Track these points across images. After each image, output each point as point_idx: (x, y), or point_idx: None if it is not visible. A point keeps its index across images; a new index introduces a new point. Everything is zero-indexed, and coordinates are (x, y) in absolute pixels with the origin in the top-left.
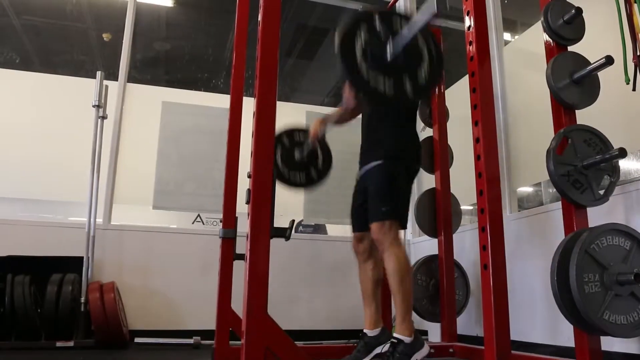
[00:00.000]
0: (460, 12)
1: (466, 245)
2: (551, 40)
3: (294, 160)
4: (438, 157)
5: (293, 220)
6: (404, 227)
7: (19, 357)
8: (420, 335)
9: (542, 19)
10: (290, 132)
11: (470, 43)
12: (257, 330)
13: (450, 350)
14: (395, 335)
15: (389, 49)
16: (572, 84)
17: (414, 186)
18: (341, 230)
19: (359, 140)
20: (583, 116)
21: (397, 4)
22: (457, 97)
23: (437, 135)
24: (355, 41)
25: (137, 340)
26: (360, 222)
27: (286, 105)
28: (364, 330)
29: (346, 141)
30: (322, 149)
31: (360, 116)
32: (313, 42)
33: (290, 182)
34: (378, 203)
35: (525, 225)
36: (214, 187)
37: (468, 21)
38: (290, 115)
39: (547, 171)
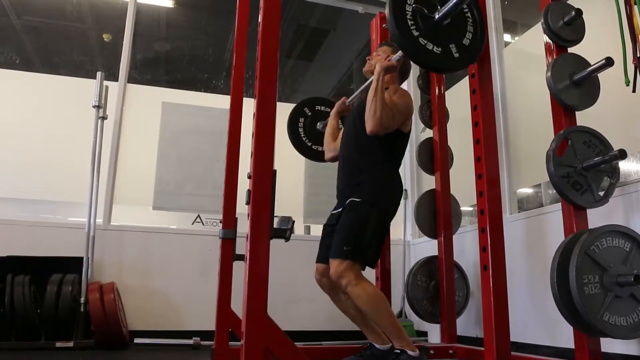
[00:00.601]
0: None
1: (466, 246)
2: (551, 42)
3: (315, 131)
4: (438, 158)
5: (293, 221)
6: (372, 266)
7: (19, 357)
8: (426, 356)
9: (542, 20)
10: (312, 102)
11: None
12: (257, 331)
13: (450, 351)
14: (399, 346)
15: (437, 14)
16: (572, 85)
17: (414, 187)
18: None
19: None
20: (583, 117)
21: None
22: (457, 98)
23: (437, 136)
24: (406, 3)
25: (137, 340)
26: (323, 254)
27: (286, 106)
28: (372, 342)
29: None
30: (343, 123)
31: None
32: (313, 43)
33: (311, 153)
34: (342, 240)
35: (525, 226)
36: (214, 188)
37: None
38: None
39: (547, 172)
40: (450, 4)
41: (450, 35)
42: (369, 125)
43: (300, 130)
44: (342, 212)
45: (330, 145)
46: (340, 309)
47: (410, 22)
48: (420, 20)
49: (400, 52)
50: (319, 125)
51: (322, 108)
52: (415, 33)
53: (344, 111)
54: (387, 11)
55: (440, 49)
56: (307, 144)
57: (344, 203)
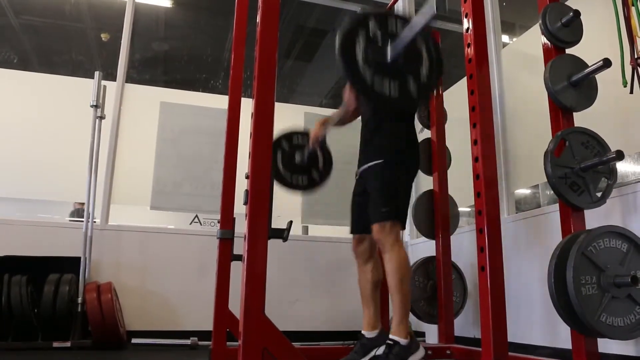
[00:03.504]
0: (459, 14)
1: (464, 246)
2: (549, 43)
3: (294, 163)
4: (436, 158)
5: (291, 221)
6: (403, 228)
7: (16, 357)
8: (416, 338)
9: (540, 21)
10: (289, 135)
11: (469, 45)
12: (255, 332)
13: (448, 352)
14: (391, 336)
15: (388, 51)
16: (570, 86)
17: (412, 189)
18: (339, 230)
19: (357, 141)
20: (581, 119)
21: (396, 5)
22: (455, 99)
23: (435, 136)
24: (356, 44)
25: (134, 340)
26: (359, 224)
27: (284, 107)
28: (362, 332)
29: (344, 142)
30: (322, 150)
31: (360, 117)
32: (311, 43)
33: (292, 186)
34: (379, 204)
35: (523, 227)
36: (212, 188)
37: (466, 23)
38: (288, 116)
39: (544, 173)
40: (399, 45)
41: (406, 71)
42: None
43: (279, 163)
44: (368, 177)
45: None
46: (359, 279)
47: (362, 67)
48: (373, 64)
49: None
50: (297, 158)
51: (300, 140)
52: (369, 80)
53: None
54: (337, 60)
55: (397, 88)
56: (287, 178)
57: (366, 165)
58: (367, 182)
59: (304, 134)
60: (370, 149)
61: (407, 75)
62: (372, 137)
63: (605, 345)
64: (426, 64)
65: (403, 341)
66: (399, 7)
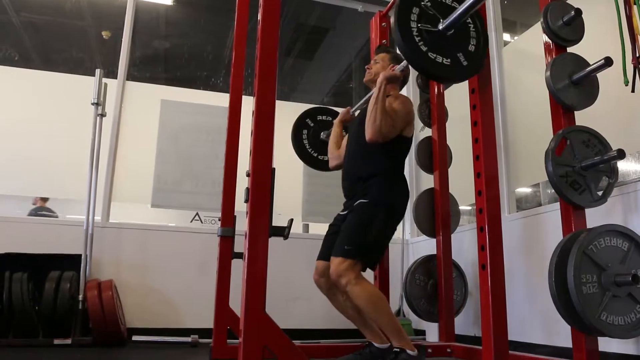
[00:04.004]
0: None
1: (464, 245)
2: (550, 41)
3: (319, 141)
4: (437, 157)
5: (291, 219)
6: (372, 268)
7: (17, 354)
8: (424, 356)
9: (541, 19)
10: (314, 113)
11: None
12: (255, 329)
13: (448, 350)
14: (397, 346)
15: (441, 26)
16: (571, 85)
17: (412, 186)
18: None
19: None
20: (582, 117)
21: None
22: (457, 97)
23: (436, 135)
24: (410, 20)
25: (135, 338)
26: (324, 252)
27: (285, 105)
28: (372, 342)
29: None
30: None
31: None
32: (312, 41)
33: (317, 163)
34: (345, 239)
35: (524, 225)
36: (213, 186)
37: None
38: (289, 114)
39: (545, 172)
40: (454, 16)
41: (456, 44)
42: (369, 133)
43: (305, 141)
44: (349, 212)
45: (334, 153)
46: (338, 309)
47: (417, 39)
48: (426, 34)
49: (404, 62)
50: (322, 135)
51: (324, 117)
52: (424, 48)
53: (348, 120)
54: (393, 30)
55: (449, 60)
56: (313, 154)
57: (351, 206)
58: (348, 215)
59: (326, 111)
60: (358, 194)
61: (457, 48)
62: (360, 183)
63: (606, 344)
64: (474, 40)
65: (410, 352)
66: None
